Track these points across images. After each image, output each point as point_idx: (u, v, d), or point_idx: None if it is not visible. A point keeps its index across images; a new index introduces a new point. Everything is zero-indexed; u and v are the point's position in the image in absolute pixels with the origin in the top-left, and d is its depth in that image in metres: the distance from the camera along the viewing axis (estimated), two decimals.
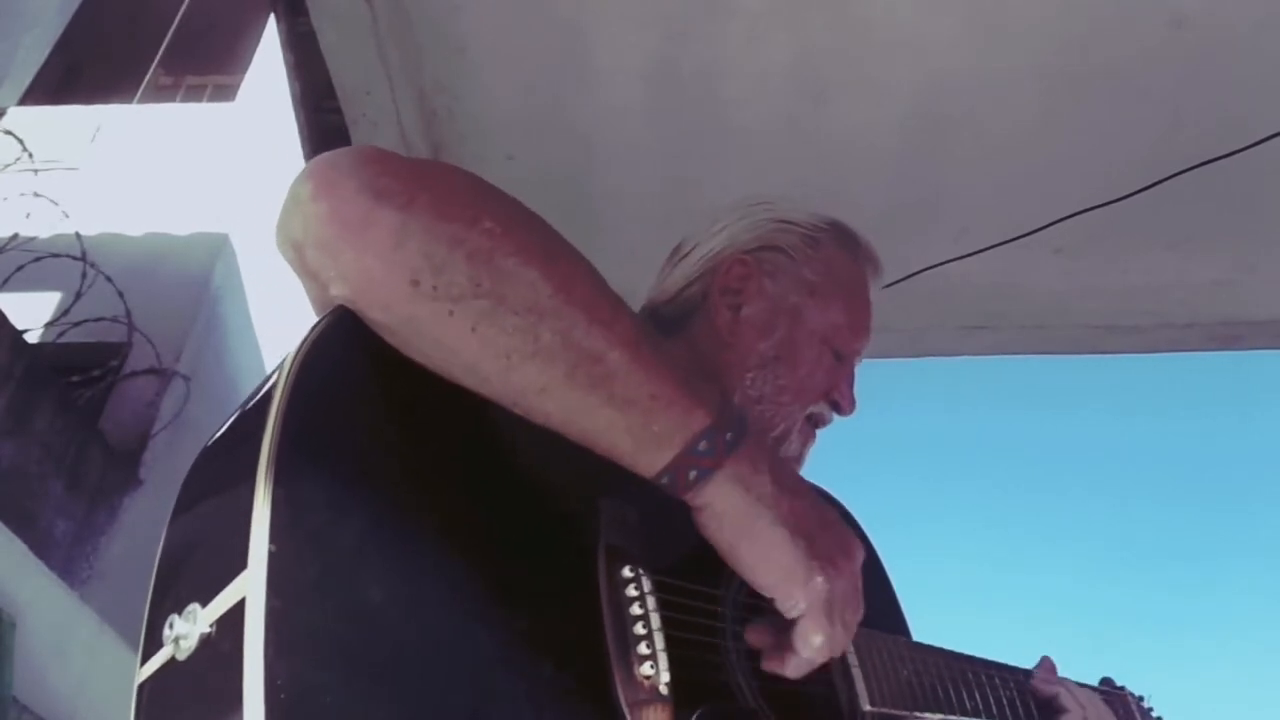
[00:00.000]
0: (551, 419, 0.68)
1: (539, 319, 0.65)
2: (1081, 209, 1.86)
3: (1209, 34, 1.64)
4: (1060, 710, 1.05)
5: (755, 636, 0.78)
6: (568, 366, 0.66)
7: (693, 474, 0.69)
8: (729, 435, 0.70)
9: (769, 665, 0.76)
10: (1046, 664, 1.12)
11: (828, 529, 0.74)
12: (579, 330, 0.66)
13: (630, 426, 0.67)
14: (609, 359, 0.66)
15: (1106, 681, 1.22)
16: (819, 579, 0.71)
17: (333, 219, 0.66)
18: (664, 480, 0.69)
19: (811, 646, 0.73)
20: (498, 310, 0.64)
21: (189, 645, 0.56)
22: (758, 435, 0.74)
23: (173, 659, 0.57)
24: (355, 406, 0.65)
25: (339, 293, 0.67)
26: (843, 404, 1.08)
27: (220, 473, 0.65)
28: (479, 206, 0.67)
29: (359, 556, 0.59)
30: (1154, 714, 1.23)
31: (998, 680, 1.02)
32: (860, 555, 0.76)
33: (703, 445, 0.68)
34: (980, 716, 0.96)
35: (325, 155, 0.71)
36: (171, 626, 0.57)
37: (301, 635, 0.54)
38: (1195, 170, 1.75)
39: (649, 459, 0.68)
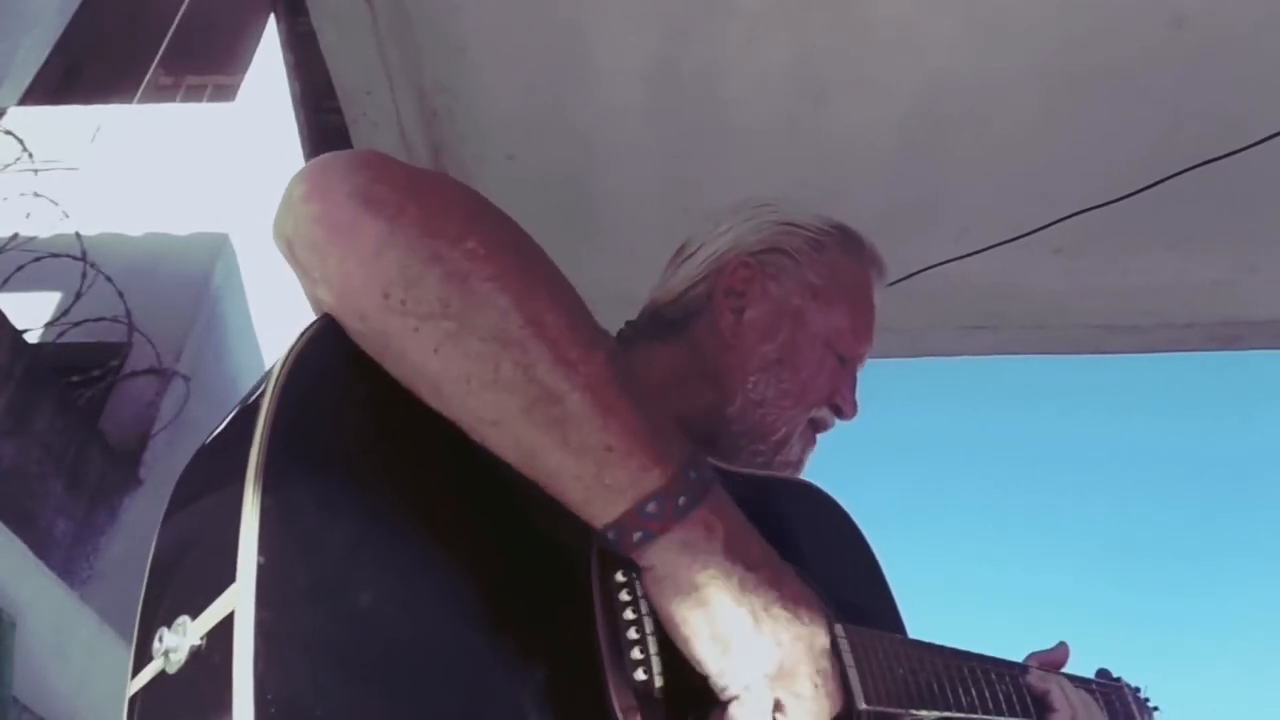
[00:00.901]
0: (505, 453, 0.66)
1: (503, 348, 0.63)
2: (1081, 209, 1.86)
3: (1209, 34, 1.64)
4: (1050, 709, 1.05)
5: None
6: (525, 402, 0.64)
7: (637, 535, 0.65)
8: (682, 499, 0.66)
9: None
10: (1057, 656, 1.12)
11: (783, 606, 0.69)
12: (542, 366, 0.64)
13: (581, 475, 0.65)
14: (568, 401, 0.64)
15: (1102, 673, 1.21)
16: (758, 662, 0.66)
17: (321, 221, 0.66)
18: (609, 535, 0.66)
19: None
20: (462, 334, 0.63)
21: (179, 658, 0.56)
22: (719, 501, 0.69)
23: (163, 672, 0.57)
24: (344, 413, 0.65)
25: (323, 297, 0.67)
26: (844, 408, 1.08)
27: (210, 482, 0.65)
28: (467, 225, 0.66)
29: (349, 565, 0.58)
30: (1150, 704, 1.22)
31: (994, 675, 1.02)
32: (820, 637, 0.70)
33: (651, 507, 0.65)
34: (977, 712, 0.96)
35: (324, 157, 0.70)
36: (161, 639, 0.57)
37: (292, 647, 0.53)
38: (1195, 170, 1.75)
39: (596, 511, 0.66)
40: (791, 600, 0.70)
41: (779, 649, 0.67)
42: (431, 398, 0.66)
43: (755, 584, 0.68)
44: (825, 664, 0.71)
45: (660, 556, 0.66)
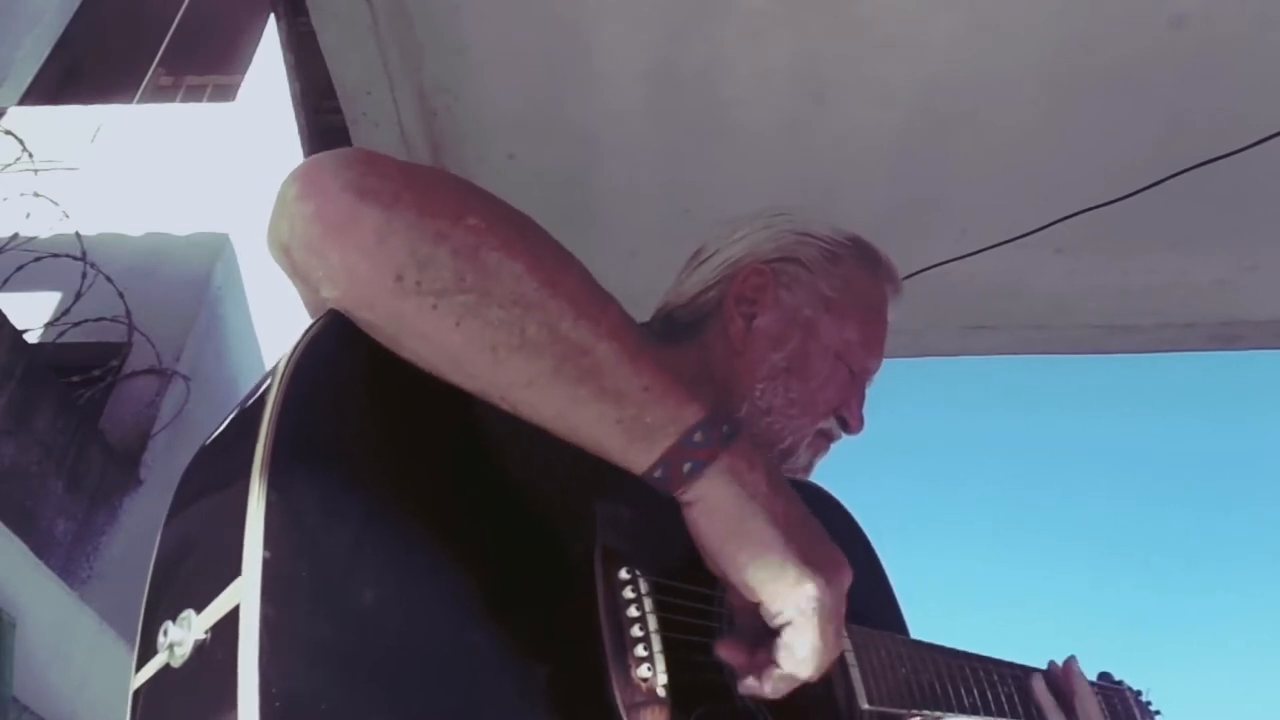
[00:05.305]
0: (541, 414, 0.67)
1: (525, 311, 0.64)
2: (1082, 209, 1.86)
3: (1209, 34, 1.64)
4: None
5: (728, 652, 0.73)
6: (555, 359, 0.65)
7: (687, 466, 0.66)
8: (725, 427, 0.68)
9: (746, 687, 0.72)
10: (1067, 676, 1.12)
11: (820, 541, 0.70)
12: (566, 322, 0.65)
13: (622, 419, 0.66)
14: (598, 351, 0.65)
15: (1105, 676, 1.21)
16: (810, 585, 0.67)
17: (317, 218, 0.66)
18: (657, 474, 0.67)
19: (795, 658, 0.69)
20: (482, 304, 0.64)
21: (183, 652, 0.56)
22: (751, 438, 0.71)
23: (167, 666, 0.57)
24: (348, 411, 0.65)
25: (328, 294, 0.67)
26: (850, 421, 1.07)
27: (215, 478, 0.65)
28: (464, 204, 0.67)
29: (353, 562, 0.58)
30: (1152, 708, 1.22)
31: (996, 676, 1.02)
32: (849, 578, 0.71)
33: (698, 436, 0.66)
34: (979, 713, 0.96)
35: (312, 157, 0.71)
36: (166, 633, 0.57)
37: (295, 642, 0.54)
38: (1195, 170, 1.75)
39: (641, 452, 0.66)
40: (826, 538, 0.71)
41: (824, 577, 0.68)
42: (455, 373, 0.66)
43: (799, 517, 0.70)
44: (844, 605, 0.72)
45: (710, 485, 0.67)
